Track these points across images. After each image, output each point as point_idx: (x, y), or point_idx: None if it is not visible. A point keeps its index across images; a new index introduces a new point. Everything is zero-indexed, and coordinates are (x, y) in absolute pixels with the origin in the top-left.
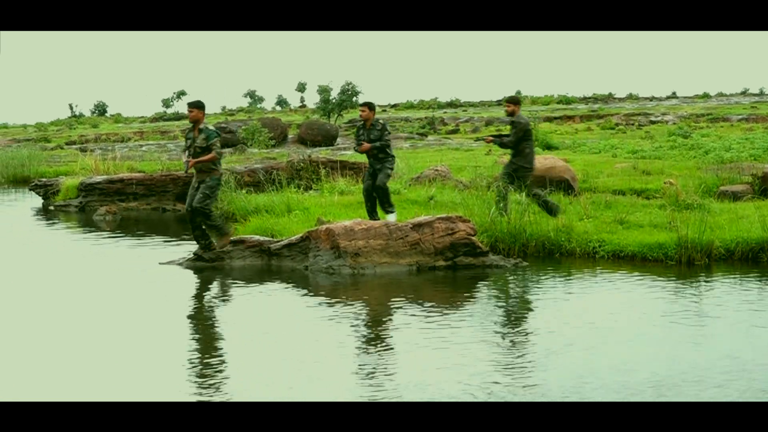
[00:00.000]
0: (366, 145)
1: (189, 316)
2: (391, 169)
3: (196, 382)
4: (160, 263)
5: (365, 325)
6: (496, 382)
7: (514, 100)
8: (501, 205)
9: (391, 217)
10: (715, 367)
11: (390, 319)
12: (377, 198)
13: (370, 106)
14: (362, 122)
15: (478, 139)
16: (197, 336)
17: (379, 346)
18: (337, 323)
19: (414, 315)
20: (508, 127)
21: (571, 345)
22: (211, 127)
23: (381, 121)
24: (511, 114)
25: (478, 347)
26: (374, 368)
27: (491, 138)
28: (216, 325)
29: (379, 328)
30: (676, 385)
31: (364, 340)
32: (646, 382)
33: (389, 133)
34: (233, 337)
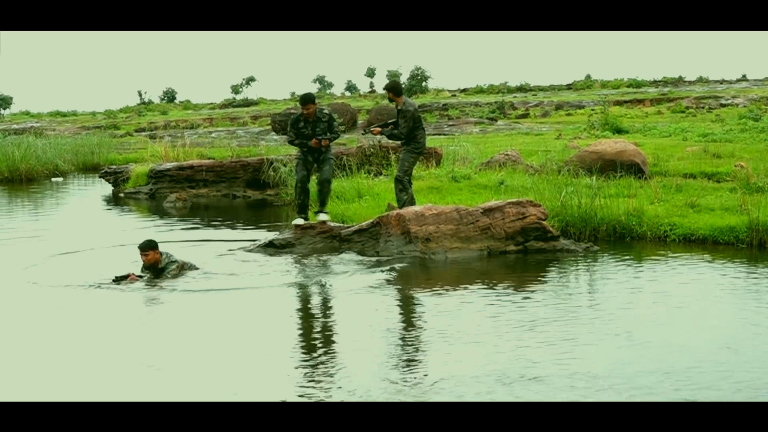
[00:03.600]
0: (324, 141)
1: (262, 304)
2: (332, 158)
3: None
4: (229, 249)
5: (440, 310)
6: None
7: (396, 90)
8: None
9: (323, 216)
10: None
11: (467, 304)
12: (321, 192)
13: (312, 100)
14: (301, 115)
15: (365, 132)
16: (268, 324)
17: (456, 332)
18: (417, 309)
19: (491, 299)
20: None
21: (646, 328)
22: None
23: (326, 111)
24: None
25: (555, 331)
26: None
27: (379, 129)
28: (282, 310)
29: (458, 313)
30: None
31: (437, 326)
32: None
33: (336, 121)
34: (298, 324)
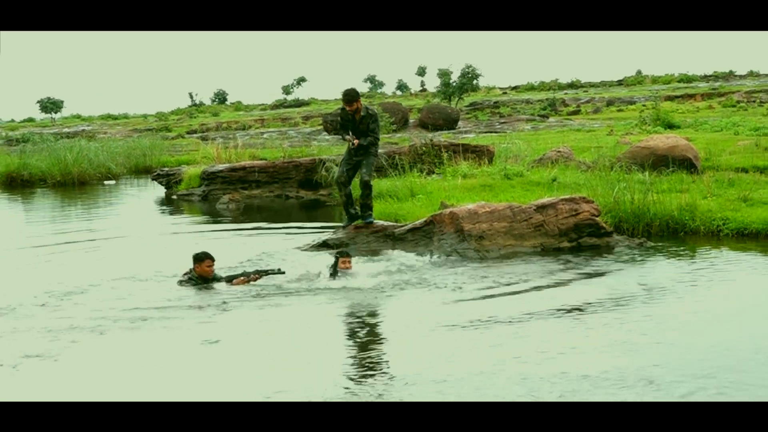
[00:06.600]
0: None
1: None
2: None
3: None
4: (294, 248)
5: (505, 313)
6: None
7: (356, 96)
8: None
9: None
10: None
11: (529, 301)
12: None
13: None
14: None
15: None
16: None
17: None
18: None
19: (552, 297)
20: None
21: (704, 325)
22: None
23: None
24: (356, 111)
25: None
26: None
27: (357, 141)
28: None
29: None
30: None
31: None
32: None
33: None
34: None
